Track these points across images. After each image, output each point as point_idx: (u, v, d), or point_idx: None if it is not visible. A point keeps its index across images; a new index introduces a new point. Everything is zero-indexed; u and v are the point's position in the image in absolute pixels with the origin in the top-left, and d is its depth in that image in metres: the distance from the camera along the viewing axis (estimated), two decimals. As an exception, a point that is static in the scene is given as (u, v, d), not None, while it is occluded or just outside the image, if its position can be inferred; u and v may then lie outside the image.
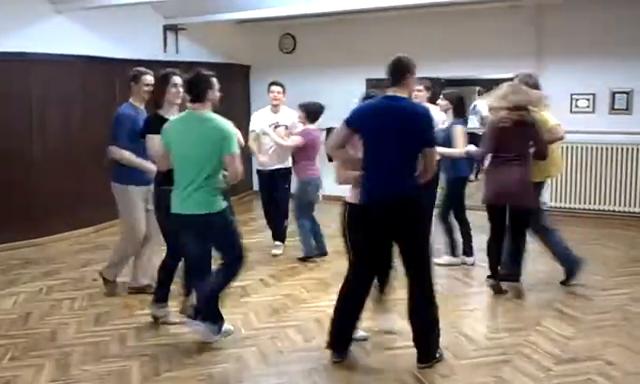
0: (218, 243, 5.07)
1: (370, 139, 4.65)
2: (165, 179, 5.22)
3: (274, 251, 7.85)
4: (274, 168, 7.75)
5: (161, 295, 5.67)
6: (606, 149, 9.62)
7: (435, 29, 10.36)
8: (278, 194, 7.86)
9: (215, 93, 4.96)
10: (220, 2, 9.88)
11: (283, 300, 6.22)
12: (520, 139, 5.96)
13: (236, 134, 4.95)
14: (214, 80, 4.97)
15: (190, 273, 5.38)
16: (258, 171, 8.09)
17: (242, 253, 5.10)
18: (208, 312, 5.07)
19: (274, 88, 7.71)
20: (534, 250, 6.48)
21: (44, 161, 8.65)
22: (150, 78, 6.14)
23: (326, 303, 5.81)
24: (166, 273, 5.62)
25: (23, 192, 8.46)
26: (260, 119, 7.79)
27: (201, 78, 4.92)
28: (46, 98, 8.68)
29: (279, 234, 7.98)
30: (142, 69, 6.28)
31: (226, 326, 5.31)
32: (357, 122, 4.69)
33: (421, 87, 7.26)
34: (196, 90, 4.88)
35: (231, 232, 5.08)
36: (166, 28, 10.61)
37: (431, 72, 9.21)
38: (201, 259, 5.11)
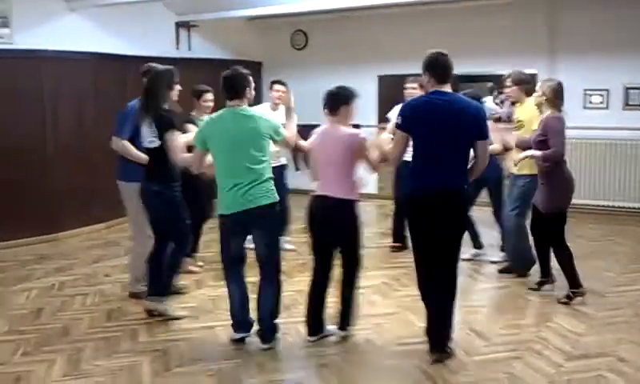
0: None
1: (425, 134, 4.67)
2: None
3: (287, 246, 7.82)
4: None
5: (159, 288, 5.72)
6: (620, 145, 9.57)
7: (447, 25, 10.33)
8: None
9: (252, 90, 5.08)
10: (231, -1, 9.91)
11: (294, 296, 6.22)
12: None
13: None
14: (251, 77, 5.07)
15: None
16: None
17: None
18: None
19: (279, 87, 7.51)
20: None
21: (56, 158, 8.71)
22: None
23: (334, 300, 5.81)
24: (157, 264, 5.68)
25: (36, 189, 8.52)
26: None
27: (240, 75, 4.98)
28: (59, 96, 8.73)
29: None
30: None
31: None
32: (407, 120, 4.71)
33: (415, 85, 7.26)
34: (235, 87, 4.93)
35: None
36: (178, 25, 10.64)
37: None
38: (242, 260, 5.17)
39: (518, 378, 4.49)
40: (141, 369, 4.76)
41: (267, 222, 4.95)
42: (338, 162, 4.91)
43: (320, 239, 5.06)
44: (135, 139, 5.90)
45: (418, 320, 5.53)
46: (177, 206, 5.58)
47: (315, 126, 5.19)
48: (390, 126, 7.08)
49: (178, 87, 5.64)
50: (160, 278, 5.70)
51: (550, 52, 9.86)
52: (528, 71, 9.62)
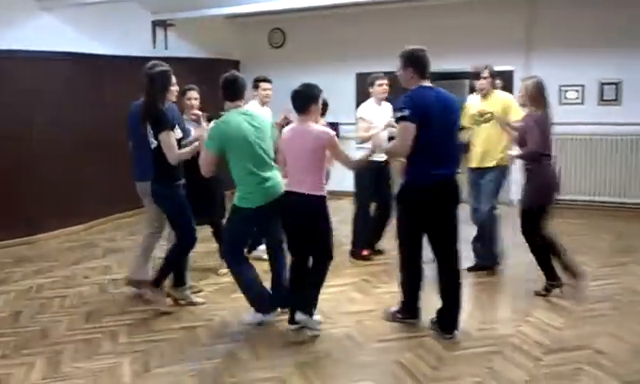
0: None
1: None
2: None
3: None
4: None
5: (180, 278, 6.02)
6: (595, 140, 9.67)
7: (425, 22, 10.37)
8: None
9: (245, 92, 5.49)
10: (208, -3, 9.88)
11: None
12: None
13: None
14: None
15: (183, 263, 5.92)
16: None
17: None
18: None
19: (267, 85, 7.27)
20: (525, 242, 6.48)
21: (33, 159, 8.62)
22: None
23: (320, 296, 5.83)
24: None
25: (13, 190, 8.44)
26: None
27: (239, 78, 5.40)
28: (35, 97, 8.64)
29: None
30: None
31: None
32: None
33: (386, 81, 7.29)
34: (235, 89, 5.35)
35: None
36: (155, 24, 10.57)
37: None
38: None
39: (497, 373, 4.52)
40: (121, 370, 4.74)
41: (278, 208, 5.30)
42: (307, 159, 5.05)
43: (293, 233, 5.23)
44: (132, 139, 5.97)
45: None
46: (178, 206, 5.61)
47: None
48: (364, 125, 7.14)
49: (175, 88, 5.72)
50: (178, 270, 5.95)
51: (526, 49, 9.95)
52: (505, 68, 9.75)
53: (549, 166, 5.96)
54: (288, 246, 5.32)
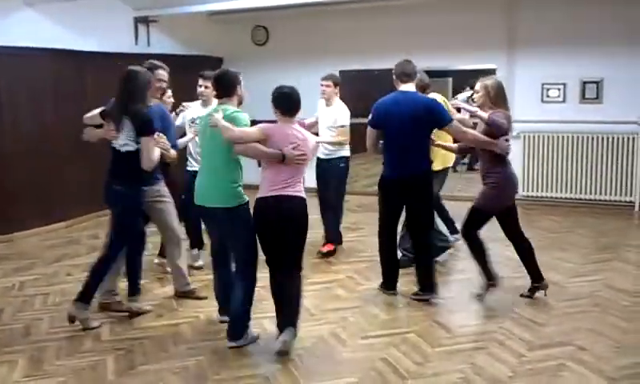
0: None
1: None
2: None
3: None
4: None
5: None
6: (577, 138, 9.74)
7: (408, 20, 10.38)
8: None
9: (242, 89, 5.10)
10: (191, -6, 9.83)
11: (259, 291, 6.19)
12: None
13: None
14: (241, 77, 5.12)
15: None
16: None
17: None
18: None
19: (205, 82, 6.61)
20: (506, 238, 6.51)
21: (14, 155, 8.54)
22: (163, 73, 6.06)
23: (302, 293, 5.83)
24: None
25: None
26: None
27: (229, 74, 5.10)
28: (16, 92, 8.58)
29: None
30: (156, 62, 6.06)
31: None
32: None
33: (329, 82, 7.31)
34: (225, 86, 5.01)
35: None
36: (137, 20, 10.51)
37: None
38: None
39: (481, 368, 4.55)
40: (105, 368, 4.71)
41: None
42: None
43: (271, 239, 4.92)
44: None
45: (382, 313, 5.63)
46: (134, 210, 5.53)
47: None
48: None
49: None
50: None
51: (509, 47, 10.00)
52: (487, 66, 9.80)
53: (509, 166, 5.88)
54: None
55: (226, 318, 5.14)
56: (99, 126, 5.46)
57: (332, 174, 7.36)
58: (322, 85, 7.36)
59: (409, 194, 5.83)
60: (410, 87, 5.81)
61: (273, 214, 4.76)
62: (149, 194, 5.66)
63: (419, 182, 5.84)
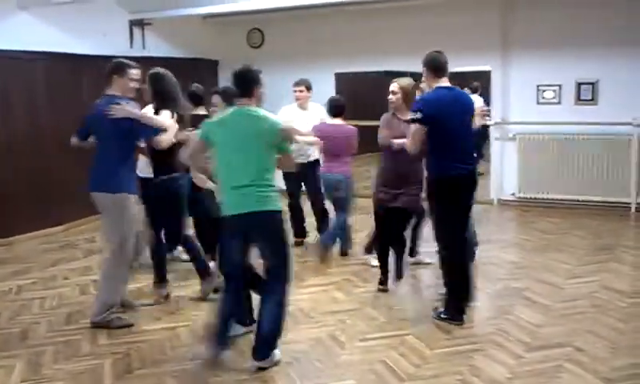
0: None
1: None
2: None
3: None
4: None
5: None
6: (572, 139, 9.75)
7: (403, 22, 10.38)
8: None
9: (263, 88, 4.74)
10: (186, -3, 9.82)
11: (256, 296, 6.22)
12: None
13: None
14: (261, 76, 4.76)
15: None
16: None
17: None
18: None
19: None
20: (504, 240, 6.54)
21: (10, 159, 8.52)
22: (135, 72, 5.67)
23: (299, 297, 5.83)
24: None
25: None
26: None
27: (249, 72, 4.72)
28: (12, 96, 8.56)
29: None
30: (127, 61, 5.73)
31: None
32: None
33: (302, 87, 7.48)
34: (244, 85, 4.66)
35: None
36: (132, 23, 10.50)
37: (399, 66, 9.27)
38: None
39: (479, 370, 4.55)
40: (102, 371, 4.71)
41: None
42: None
43: None
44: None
45: (380, 315, 5.62)
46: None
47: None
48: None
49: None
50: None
51: (504, 48, 10.01)
52: (482, 68, 9.82)
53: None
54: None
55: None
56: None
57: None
58: (295, 90, 7.59)
59: (468, 192, 5.53)
60: (446, 82, 5.49)
61: None
62: None
63: (474, 180, 5.57)
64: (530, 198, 10.10)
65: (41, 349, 5.12)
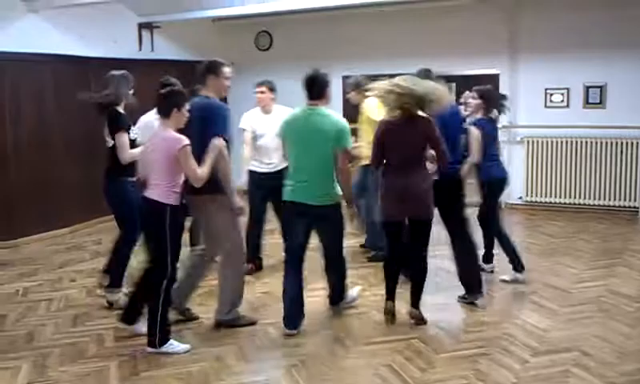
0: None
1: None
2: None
3: None
4: None
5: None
6: (580, 143, 9.71)
7: (411, 25, 10.40)
8: None
9: (330, 91, 5.36)
10: (195, 0, 9.83)
11: (262, 297, 6.23)
12: None
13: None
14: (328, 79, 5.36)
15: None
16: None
17: None
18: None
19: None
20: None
21: (18, 161, 8.57)
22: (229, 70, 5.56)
23: (305, 300, 5.82)
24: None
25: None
26: None
27: (321, 76, 5.28)
28: (21, 98, 8.61)
29: None
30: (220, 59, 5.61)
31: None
32: None
33: (263, 88, 6.80)
34: (317, 88, 5.25)
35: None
36: (141, 26, 10.53)
37: (405, 69, 9.25)
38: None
39: (485, 375, 4.54)
40: (108, 374, 4.72)
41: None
42: None
43: None
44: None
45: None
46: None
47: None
48: (247, 136, 6.80)
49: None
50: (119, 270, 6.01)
51: (511, 52, 10.00)
52: (491, 71, 9.80)
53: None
54: None
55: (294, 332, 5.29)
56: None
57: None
58: (255, 92, 6.87)
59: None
60: None
61: None
62: None
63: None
64: (538, 202, 10.07)
65: (47, 351, 5.14)
